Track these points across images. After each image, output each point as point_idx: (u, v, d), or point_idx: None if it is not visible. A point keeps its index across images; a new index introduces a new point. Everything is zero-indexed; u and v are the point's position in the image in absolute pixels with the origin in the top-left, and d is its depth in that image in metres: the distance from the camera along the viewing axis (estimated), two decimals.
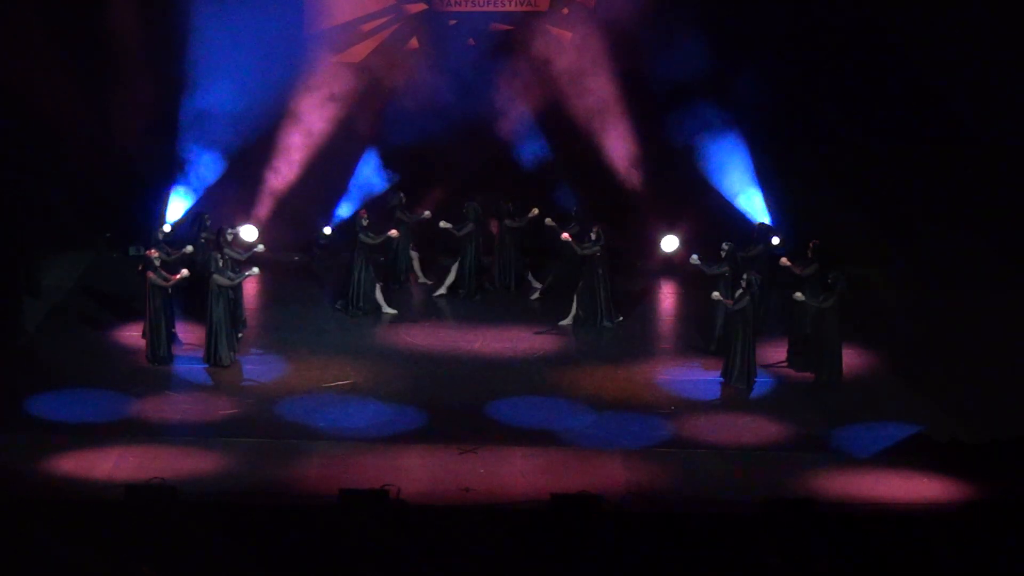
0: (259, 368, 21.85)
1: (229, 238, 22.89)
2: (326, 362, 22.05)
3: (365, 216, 23.98)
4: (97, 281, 25.35)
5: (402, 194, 25.06)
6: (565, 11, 27.12)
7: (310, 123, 26.64)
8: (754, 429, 20.13)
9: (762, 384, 21.44)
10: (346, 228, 26.19)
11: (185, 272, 21.76)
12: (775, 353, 22.30)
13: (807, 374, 21.72)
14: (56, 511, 16.71)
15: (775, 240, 24.82)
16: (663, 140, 26.49)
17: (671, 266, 26.00)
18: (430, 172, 26.62)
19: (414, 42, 27.24)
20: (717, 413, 20.64)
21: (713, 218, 25.95)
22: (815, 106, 26.63)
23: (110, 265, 26.04)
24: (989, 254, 25.66)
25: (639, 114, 26.66)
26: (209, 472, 18.41)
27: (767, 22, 26.40)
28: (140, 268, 21.92)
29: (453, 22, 27.14)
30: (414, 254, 25.37)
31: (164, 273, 21.74)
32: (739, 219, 25.97)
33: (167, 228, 24.66)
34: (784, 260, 22.67)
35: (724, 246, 22.63)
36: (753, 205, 26.35)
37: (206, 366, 21.72)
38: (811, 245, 22.42)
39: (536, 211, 24.75)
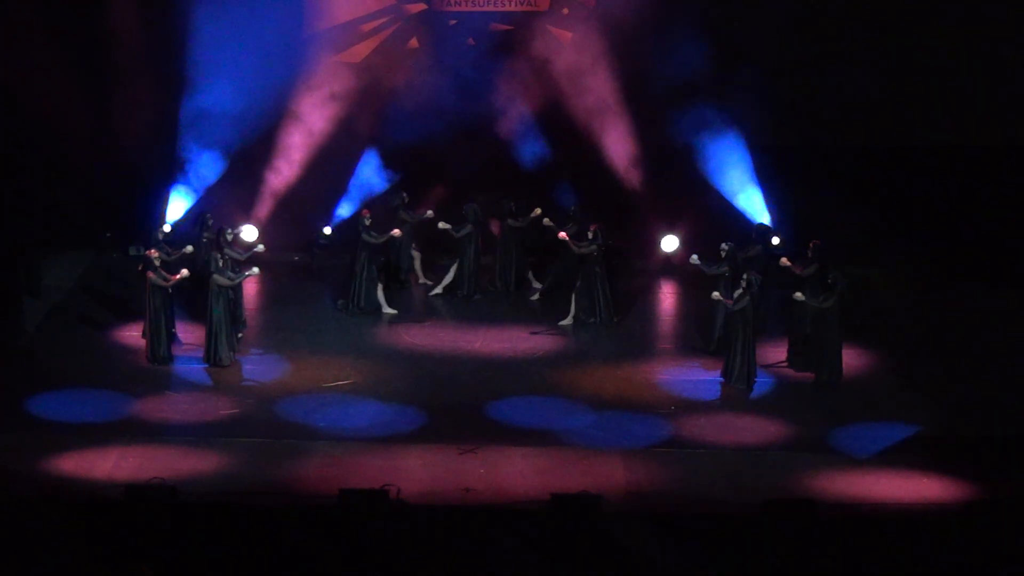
0: (259, 368, 21.85)
1: (229, 238, 22.90)
2: (326, 362, 22.05)
3: (368, 216, 23.98)
4: (97, 281, 25.35)
5: (405, 194, 25.04)
6: (565, 11, 27.12)
7: (310, 123, 26.64)
8: (754, 429, 20.12)
9: (762, 384, 21.44)
10: (346, 228, 26.21)
11: (185, 272, 21.76)
12: (775, 353, 22.30)
13: (807, 374, 21.72)
14: (56, 511, 16.70)
15: (775, 240, 24.83)
16: (663, 140, 26.48)
17: (671, 266, 26.02)
18: (430, 172, 26.61)
19: (414, 42, 27.24)
20: (717, 413, 20.64)
21: (713, 218, 25.94)
22: (815, 106, 26.63)
23: (110, 265, 26.04)
24: (989, 254, 25.66)
25: (639, 114, 26.65)
26: (209, 472, 18.40)
27: (767, 22, 26.40)
28: (140, 268, 21.92)
29: (453, 22, 27.14)
30: (416, 254, 25.37)
31: (164, 273, 21.74)
32: (739, 219, 25.96)
33: (167, 228, 24.67)
34: (784, 260, 22.66)
35: (724, 246, 22.63)
36: (753, 205, 26.35)
37: (206, 366, 21.71)
38: (811, 245, 22.41)
39: (539, 211, 24.77)
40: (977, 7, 26.51)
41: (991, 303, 24.30)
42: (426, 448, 19.21)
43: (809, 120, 26.82)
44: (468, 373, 21.82)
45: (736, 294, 21.30)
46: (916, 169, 26.69)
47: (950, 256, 25.68)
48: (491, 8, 27.13)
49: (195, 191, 26.39)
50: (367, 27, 27.30)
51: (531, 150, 26.92)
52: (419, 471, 18.55)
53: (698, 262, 22.72)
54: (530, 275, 25.26)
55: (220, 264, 21.79)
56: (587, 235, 23.43)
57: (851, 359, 21.86)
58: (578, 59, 26.73)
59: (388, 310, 23.97)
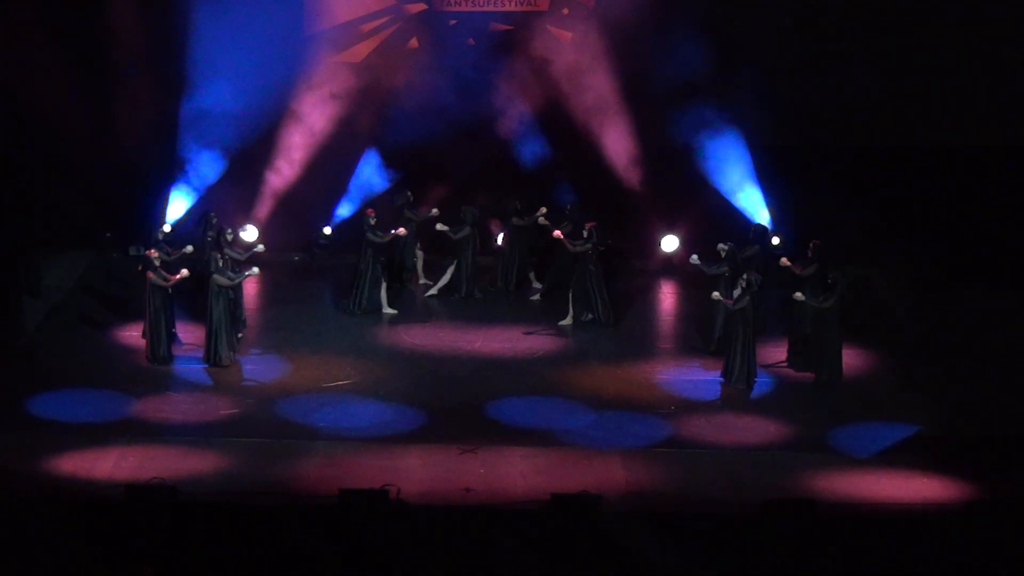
0: (259, 368, 21.85)
1: (229, 238, 22.90)
2: (326, 362, 22.05)
3: (373, 215, 23.97)
4: (97, 281, 25.35)
5: (409, 192, 25.04)
6: (565, 11, 27.13)
7: (310, 123, 26.65)
8: (754, 429, 20.12)
9: (762, 384, 21.44)
10: (346, 228, 26.22)
11: (185, 272, 21.75)
12: (775, 353, 22.30)
13: (807, 374, 21.72)
14: (56, 511, 16.70)
15: (775, 240, 24.83)
16: (663, 140, 26.49)
17: (671, 266, 26.02)
18: (430, 172, 26.61)
19: (414, 42, 27.24)
20: (717, 413, 20.64)
21: (713, 218, 25.95)
22: (815, 106, 26.64)
23: (110, 265, 26.04)
24: (989, 254, 25.67)
25: (639, 114, 26.66)
26: (209, 472, 18.40)
27: (767, 22, 26.41)
28: (140, 268, 21.92)
29: (453, 22, 27.14)
30: (419, 254, 25.37)
31: (164, 273, 21.74)
32: (739, 219, 25.96)
33: (167, 228, 24.65)
34: (784, 260, 22.66)
35: (724, 246, 22.63)
36: (753, 205, 26.36)
37: (206, 366, 21.71)
38: (811, 245, 22.41)
39: (544, 210, 24.79)
40: (977, 7, 26.52)
41: (991, 303, 24.30)
42: (426, 448, 19.21)
43: (809, 120, 26.83)
44: (468, 373, 21.82)
45: (736, 294, 21.30)
46: (916, 169, 26.71)
47: (950, 256, 25.69)
48: (491, 8, 27.14)
49: (195, 191, 26.40)
50: (367, 27, 27.31)
51: (531, 150, 26.93)
52: (419, 471, 18.54)
53: (698, 262, 22.72)
54: (531, 275, 25.26)
55: (220, 264, 21.79)
56: (582, 234, 23.43)
57: (851, 359, 21.86)
58: (578, 59, 26.74)
59: (388, 310, 23.97)
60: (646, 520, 17.00)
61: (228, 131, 26.33)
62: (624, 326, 23.79)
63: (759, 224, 24.85)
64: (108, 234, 26.54)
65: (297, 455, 19.00)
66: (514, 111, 26.91)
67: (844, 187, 26.23)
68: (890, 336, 23.31)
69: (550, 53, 26.85)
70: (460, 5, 27.15)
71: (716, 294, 21.77)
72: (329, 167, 26.79)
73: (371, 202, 25.64)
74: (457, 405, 20.65)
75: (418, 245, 25.20)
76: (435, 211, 24.85)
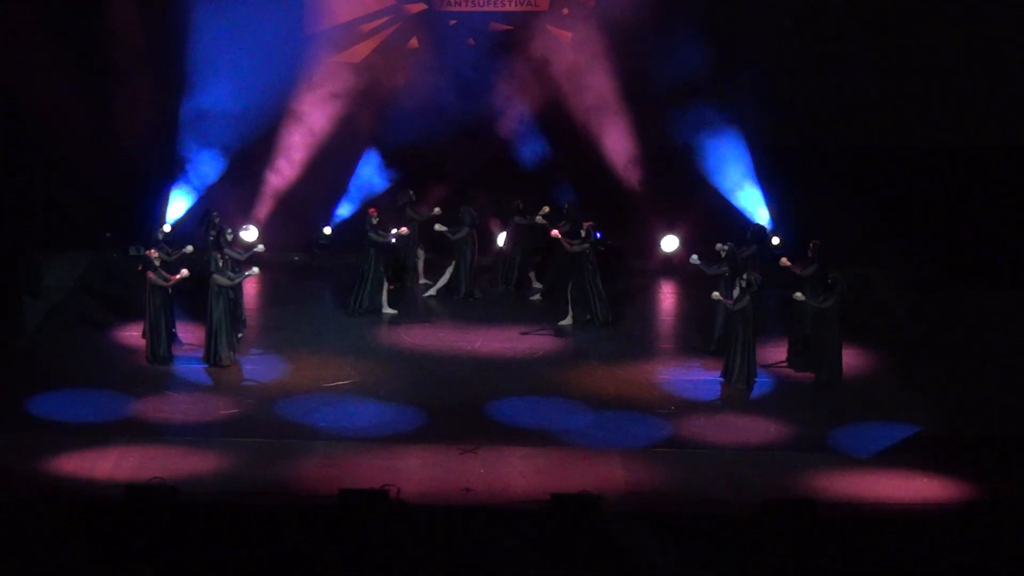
0: (259, 368, 21.85)
1: (229, 238, 22.89)
2: (326, 362, 22.05)
3: (375, 215, 23.96)
4: (97, 281, 25.36)
5: (412, 192, 25.04)
6: (565, 11, 27.12)
7: (310, 123, 26.64)
8: (754, 429, 20.12)
9: (762, 384, 21.44)
10: (346, 228, 26.23)
11: (185, 272, 21.75)
12: (775, 353, 22.30)
13: (807, 374, 21.72)
14: (56, 511, 16.71)
15: (775, 240, 24.83)
16: (663, 140, 26.48)
17: (671, 266, 26.02)
18: (430, 172, 26.60)
19: (414, 42, 27.24)
20: (717, 413, 20.64)
21: (713, 218, 25.94)
22: (815, 106, 26.64)
23: (110, 265, 26.04)
24: (989, 254, 25.66)
25: (639, 114, 26.65)
26: (209, 472, 18.40)
27: (767, 22, 26.41)
28: (140, 268, 21.92)
29: (453, 22, 27.14)
30: (420, 253, 25.36)
31: (164, 273, 21.74)
32: (739, 219, 25.95)
33: (167, 228, 24.65)
34: (784, 260, 22.65)
35: (724, 246, 22.62)
36: (753, 205, 26.36)
37: (206, 366, 21.71)
38: (811, 245, 22.40)
39: (547, 209, 24.79)
40: (977, 7, 26.52)
41: (991, 303, 24.30)
42: (426, 448, 19.21)
43: (809, 120, 26.83)
44: (468, 373, 21.82)
45: (735, 294, 21.30)
46: (916, 169, 26.70)
47: (950, 256, 25.68)
48: (491, 8, 27.14)
49: (195, 191, 26.40)
50: (367, 27, 27.31)
51: (531, 150, 26.92)
52: (419, 471, 18.54)
53: (698, 262, 22.72)
54: (531, 275, 25.26)
55: (220, 264, 21.79)
56: (580, 233, 23.43)
57: (851, 359, 21.86)
58: (578, 59, 26.74)
59: (388, 310, 23.97)
60: (646, 520, 17.00)
61: (228, 131, 26.33)
62: (624, 326, 23.79)
63: (757, 224, 24.85)
64: (108, 234, 26.54)
65: (297, 455, 19.00)
66: (514, 111, 26.90)
67: (844, 187, 26.23)
68: (890, 336, 23.31)
69: (550, 53, 26.83)
70: (460, 5, 27.15)
71: (716, 294, 21.77)
72: (329, 167, 26.79)
73: (373, 202, 25.62)
74: (457, 405, 20.65)
75: (421, 244, 25.18)
76: (437, 210, 24.83)
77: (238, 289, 22.43)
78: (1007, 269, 25.29)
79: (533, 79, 26.81)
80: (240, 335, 22.52)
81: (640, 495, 17.99)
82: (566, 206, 24.78)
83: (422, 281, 25.35)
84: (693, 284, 24.78)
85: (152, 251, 22.05)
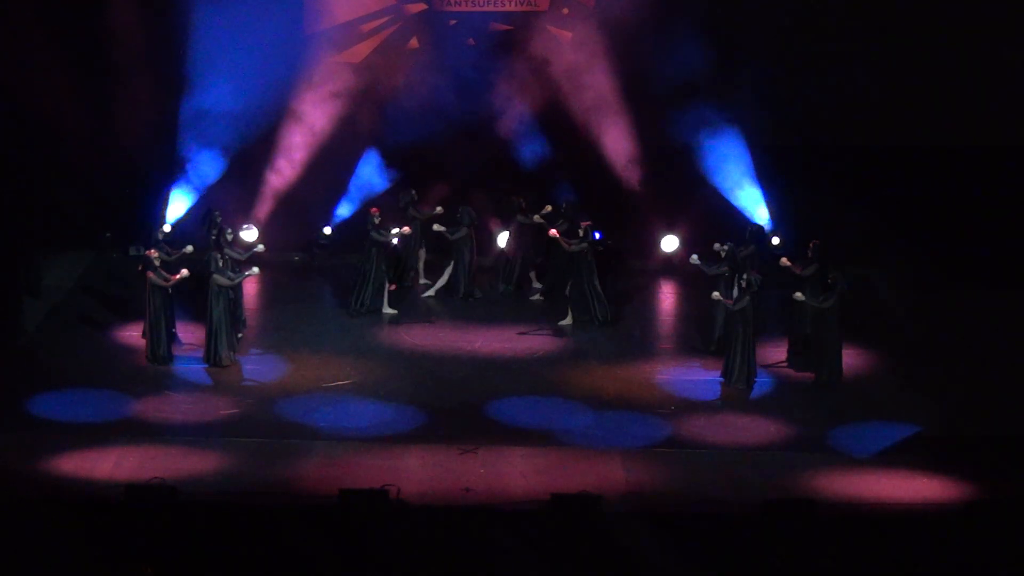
0: (259, 368, 21.85)
1: (229, 238, 22.89)
2: (326, 362, 22.05)
3: (377, 214, 23.95)
4: (97, 281, 25.35)
5: (414, 191, 25.03)
6: (565, 11, 27.12)
7: (310, 123, 26.65)
8: (754, 429, 20.12)
9: (762, 384, 21.44)
10: (346, 228, 26.22)
11: (185, 272, 21.75)
12: (775, 353, 22.30)
13: (807, 374, 21.72)
14: (56, 511, 16.70)
15: (775, 240, 24.83)
16: (663, 140, 26.48)
17: (671, 266, 26.02)
18: (430, 172, 26.59)
19: (414, 42, 27.24)
20: (717, 413, 20.64)
21: (713, 218, 25.94)
22: (815, 106, 26.64)
23: (110, 265, 26.04)
24: (989, 254, 25.66)
25: (639, 114, 26.65)
26: (209, 472, 18.40)
27: (767, 22, 26.40)
28: (140, 268, 21.92)
29: (453, 22, 27.14)
30: (421, 253, 25.34)
31: (164, 273, 21.73)
32: (739, 219, 25.94)
33: (167, 228, 24.64)
34: (784, 260, 22.65)
35: (724, 246, 22.63)
36: (753, 205, 26.35)
37: (206, 366, 21.71)
38: (811, 245, 22.41)
39: (549, 208, 24.78)
40: (977, 7, 26.52)
41: (991, 303, 24.30)
42: (426, 448, 19.21)
43: (809, 120, 26.83)
44: (468, 373, 21.82)
45: (735, 294, 21.30)
46: (916, 169, 26.70)
47: (950, 256, 25.68)
48: (491, 8, 27.14)
49: (195, 191, 26.39)
50: (367, 27, 27.31)
51: (531, 150, 26.92)
52: (419, 471, 18.55)
53: (698, 262, 22.72)
54: (532, 275, 25.25)
55: (220, 264, 21.79)
56: (578, 232, 23.42)
57: (851, 359, 21.86)
58: (578, 59, 26.74)
59: (388, 310, 23.97)
60: (646, 520, 17.01)
61: (228, 131, 26.33)
62: (624, 326, 23.78)
63: (756, 224, 24.87)
64: (108, 234, 26.53)
65: (297, 455, 19.00)
66: (514, 111, 26.90)
67: (844, 187, 26.24)
68: (890, 336, 23.31)
69: (550, 53, 26.83)
70: (460, 5, 27.15)
71: (716, 294, 21.77)
72: (329, 167, 26.79)
73: (374, 201, 25.62)
74: (457, 405, 20.65)
75: (422, 244, 25.16)
76: (439, 209, 24.83)
77: (238, 289, 22.43)
78: (1007, 269, 25.26)
79: (533, 79, 26.81)
80: (240, 335, 22.52)
81: (640, 495, 18.00)
82: (564, 205, 24.77)
83: (422, 281, 25.34)
84: (693, 284, 24.78)
85: (152, 251, 22.05)
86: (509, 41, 27.02)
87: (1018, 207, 26.29)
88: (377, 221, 23.78)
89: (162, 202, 26.09)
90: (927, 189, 26.54)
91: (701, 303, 23.35)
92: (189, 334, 22.49)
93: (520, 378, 21.65)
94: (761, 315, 22.21)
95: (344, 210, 26.67)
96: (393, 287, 24.39)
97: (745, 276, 21.22)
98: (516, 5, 27.17)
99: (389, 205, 24.93)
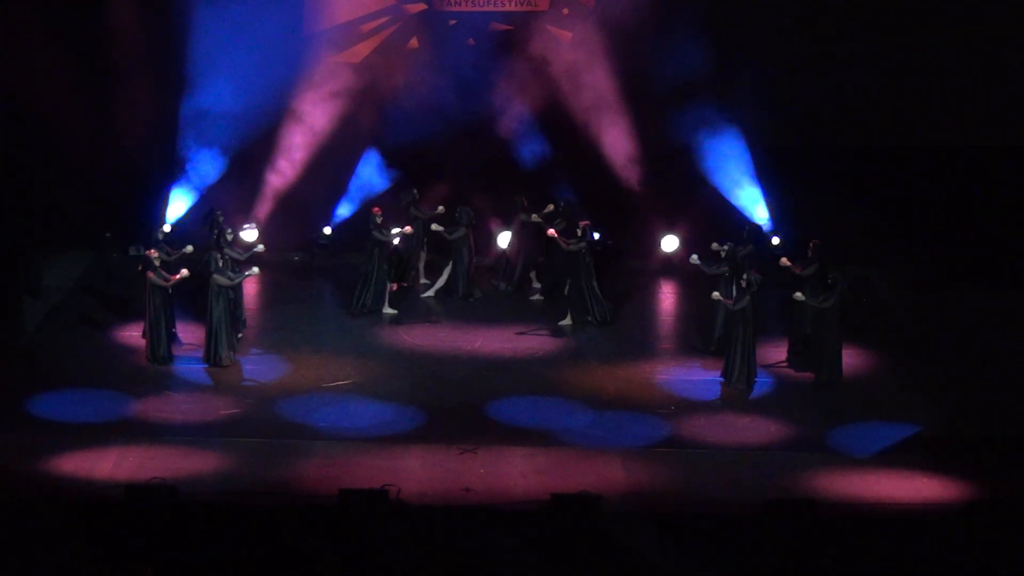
0: (259, 368, 21.85)
1: (229, 238, 22.89)
2: (326, 362, 22.05)
3: (379, 214, 23.95)
4: (97, 281, 25.34)
5: (416, 190, 25.04)
6: (565, 11, 27.13)
7: (310, 123, 26.66)
8: (754, 429, 20.12)
9: (762, 384, 21.44)
10: (346, 228, 26.23)
11: (185, 272, 21.74)
12: (775, 353, 22.30)
13: (807, 374, 21.72)
14: (56, 511, 16.70)
15: (775, 240, 24.82)
16: (663, 140, 26.48)
17: (671, 266, 26.01)
18: (430, 172, 26.60)
19: (414, 42, 27.25)
20: (717, 413, 20.64)
21: (713, 218, 25.94)
22: (815, 106, 26.65)
23: (110, 265, 26.04)
24: (989, 254, 25.66)
25: (639, 114, 26.66)
26: (209, 472, 18.40)
27: (767, 22, 26.41)
28: (140, 268, 21.91)
29: (453, 22, 27.15)
30: (421, 253, 25.33)
31: (164, 273, 21.73)
32: (739, 219, 25.94)
33: (167, 228, 24.63)
34: (784, 260, 22.66)
35: (724, 246, 22.63)
36: (753, 204, 26.36)
37: (206, 366, 21.71)
38: (811, 245, 22.41)
39: (551, 207, 24.77)
40: (977, 7, 26.53)
41: (991, 303, 24.30)
42: (426, 448, 19.21)
43: (809, 120, 26.84)
44: (468, 373, 21.82)
45: (735, 294, 21.30)
46: (916, 169, 26.71)
47: (950, 256, 25.68)
48: (491, 8, 27.15)
49: (195, 191, 26.39)
50: (367, 27, 27.31)
51: (531, 150, 26.92)
52: (419, 471, 18.54)
53: (698, 262, 22.73)
54: (532, 275, 25.24)
55: (220, 264, 21.79)
56: (576, 232, 23.42)
57: (851, 359, 21.86)
58: (578, 59, 26.74)
59: (388, 310, 23.97)
60: (646, 520, 17.01)
61: (228, 131, 26.33)
62: (624, 326, 23.78)
63: (753, 223, 24.86)
64: (108, 234, 26.53)
65: (297, 455, 19.00)
66: (514, 111, 26.91)
67: (844, 187, 26.25)
68: (890, 336, 23.31)
69: (550, 53, 26.84)
70: (460, 5, 27.16)
71: (716, 294, 21.77)
72: (329, 167, 26.80)
73: (377, 201, 25.61)
74: (457, 405, 20.65)
75: (424, 244, 25.15)
76: (441, 208, 24.83)
77: (238, 289, 22.43)
78: (1007, 269, 25.26)
79: (533, 79, 26.82)
80: (240, 335, 22.52)
81: (640, 495, 17.99)
82: (561, 205, 24.78)
83: (422, 281, 25.34)
84: (693, 284, 24.77)
85: (152, 251, 22.05)
86: (509, 41, 27.02)
87: (1018, 207, 26.29)
88: (379, 221, 23.78)
89: (162, 202, 26.10)
90: (927, 189, 26.55)
91: (701, 303, 23.35)
92: (189, 334, 22.48)
93: (520, 378, 21.65)
94: (761, 315, 22.22)
95: (344, 210, 26.68)
96: (395, 287, 24.39)
97: (745, 276, 21.22)
98: (516, 5, 27.18)
99: (390, 205, 24.93)
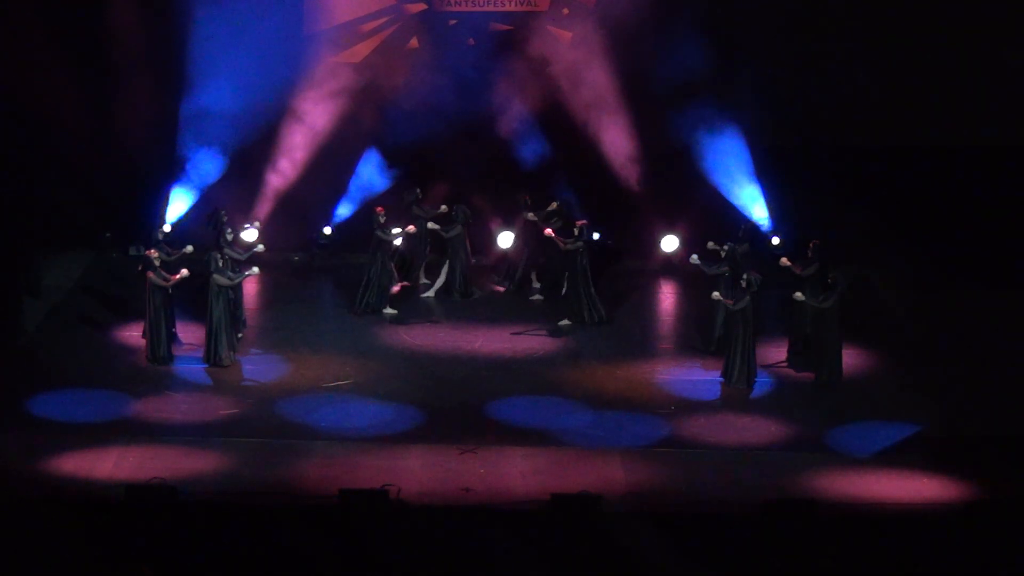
0: (259, 368, 21.85)
1: (229, 238, 22.89)
2: (326, 362, 22.05)
3: (382, 213, 23.94)
4: (97, 281, 25.34)
5: (419, 190, 25.04)
6: (565, 11, 27.13)
7: (310, 123, 26.65)
8: (754, 429, 20.12)
9: (762, 384, 21.44)
10: (346, 228, 26.23)
11: (185, 272, 21.75)
12: (775, 353, 22.30)
13: (807, 374, 21.72)
14: (56, 511, 16.71)
15: (775, 240, 24.82)
16: (663, 140, 26.48)
17: (671, 266, 26.02)
18: (430, 172, 26.59)
19: (414, 42, 27.24)
20: (717, 413, 20.64)
21: (713, 218, 25.95)
22: (815, 106, 26.65)
23: (110, 265, 26.04)
24: (989, 254, 25.67)
25: (639, 114, 26.65)
26: (209, 472, 18.40)
27: (767, 22, 26.41)
28: (140, 268, 21.92)
29: (453, 22, 27.15)
30: (426, 253, 25.29)
31: (164, 273, 21.74)
32: (739, 219, 25.94)
33: (167, 228, 24.64)
34: (784, 260, 22.66)
35: (724, 247, 22.64)
36: (753, 204, 26.36)
37: (206, 366, 21.71)
38: (811, 245, 22.42)
39: (555, 205, 24.76)
40: (977, 7, 26.53)
41: (991, 303, 24.30)
42: (426, 448, 19.21)
43: (809, 120, 26.84)
44: (468, 373, 21.82)
45: (736, 294, 21.30)
46: (916, 169, 26.71)
47: (950, 256, 25.68)
48: (491, 8, 27.15)
49: (195, 191, 26.39)
50: (367, 27, 27.31)
51: (531, 149, 26.92)
52: (419, 471, 18.54)
53: (698, 262, 22.73)
54: (532, 275, 25.24)
55: (220, 264, 21.79)
56: (573, 231, 23.42)
57: (851, 359, 21.86)
58: (578, 59, 26.73)
59: (389, 310, 23.97)
60: (646, 520, 17.00)
61: (228, 131, 26.33)
62: (624, 326, 23.78)
63: (750, 221, 24.88)
64: (108, 234, 26.54)
65: (297, 455, 19.00)
66: (514, 111, 26.90)
67: (844, 187, 26.24)
68: (890, 336, 23.31)
69: (550, 53, 26.84)
70: (460, 5, 27.16)
71: (716, 294, 21.78)
72: (329, 167, 26.79)
73: (377, 201, 25.61)
74: (457, 405, 20.65)
75: (428, 243, 25.13)
76: (443, 207, 24.84)
77: (238, 289, 22.43)
78: (1007, 269, 25.27)
79: (533, 79, 26.82)
80: (240, 335, 22.52)
81: (640, 495, 18.00)
82: (559, 204, 24.78)
83: (422, 281, 25.34)
84: (693, 284, 24.78)
85: (152, 251, 22.05)
86: (509, 41, 27.02)
87: (1018, 207, 26.29)
88: (383, 220, 23.78)
89: (162, 202, 26.10)
90: (927, 189, 26.55)
91: (701, 303, 23.35)
92: (189, 334, 22.48)
93: (520, 378, 21.65)
94: (761, 315, 22.20)
95: (344, 210, 26.68)
96: (397, 288, 24.38)
97: (745, 276, 21.22)
98: (516, 5, 27.18)
99: (393, 204, 24.93)
